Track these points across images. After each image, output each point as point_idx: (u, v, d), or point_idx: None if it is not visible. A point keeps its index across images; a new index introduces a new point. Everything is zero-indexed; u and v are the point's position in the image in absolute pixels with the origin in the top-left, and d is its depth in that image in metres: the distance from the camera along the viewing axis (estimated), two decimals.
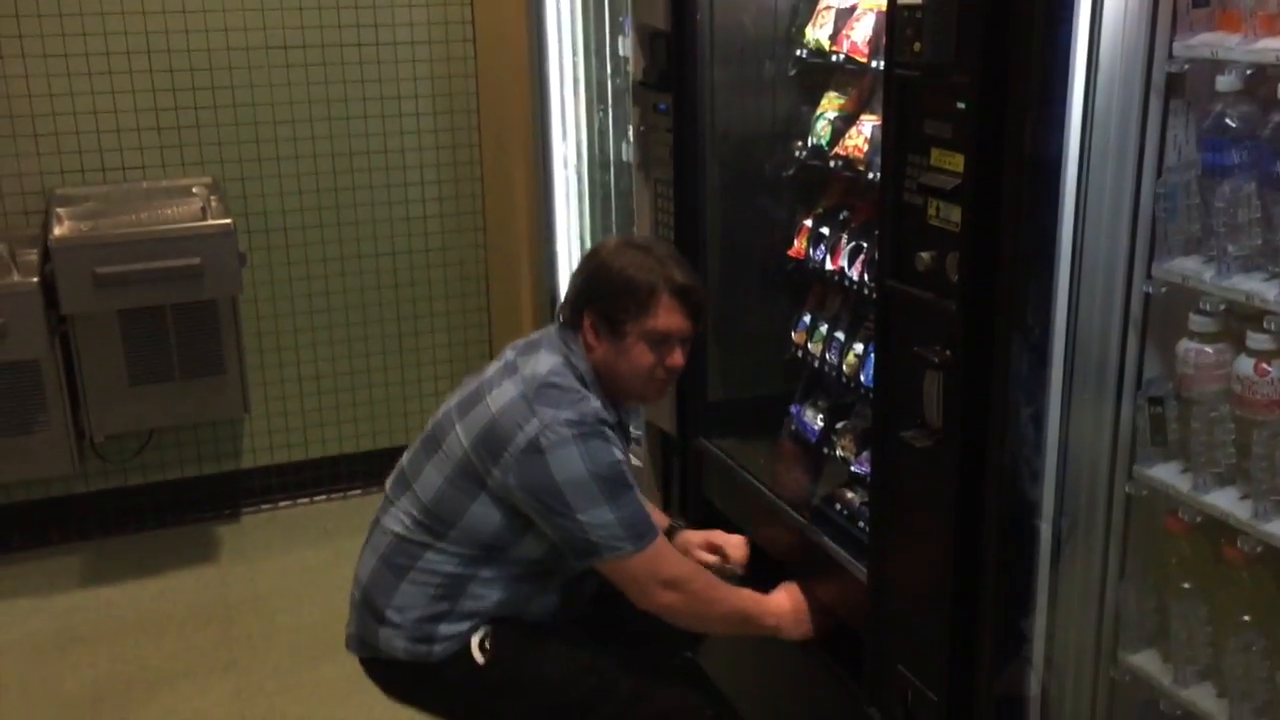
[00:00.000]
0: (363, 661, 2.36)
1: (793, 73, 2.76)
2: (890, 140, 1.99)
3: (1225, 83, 1.60)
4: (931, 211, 1.89)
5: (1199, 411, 1.72)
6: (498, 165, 4.16)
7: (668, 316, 2.22)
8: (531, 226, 3.85)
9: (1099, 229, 1.75)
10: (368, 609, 2.29)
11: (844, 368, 2.56)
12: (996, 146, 1.75)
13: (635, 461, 3.20)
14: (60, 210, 3.65)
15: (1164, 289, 1.74)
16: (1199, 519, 1.74)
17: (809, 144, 2.63)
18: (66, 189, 3.80)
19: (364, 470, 4.33)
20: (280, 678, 3.31)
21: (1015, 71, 1.71)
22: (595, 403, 2.20)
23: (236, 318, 3.74)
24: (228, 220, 3.59)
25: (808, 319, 2.76)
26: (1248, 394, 1.67)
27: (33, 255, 3.55)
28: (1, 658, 3.41)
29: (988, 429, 1.85)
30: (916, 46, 1.87)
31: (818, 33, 2.55)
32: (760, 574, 2.49)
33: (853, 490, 2.47)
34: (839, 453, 2.61)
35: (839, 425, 2.65)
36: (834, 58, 2.48)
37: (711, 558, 2.51)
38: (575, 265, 2.42)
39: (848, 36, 2.42)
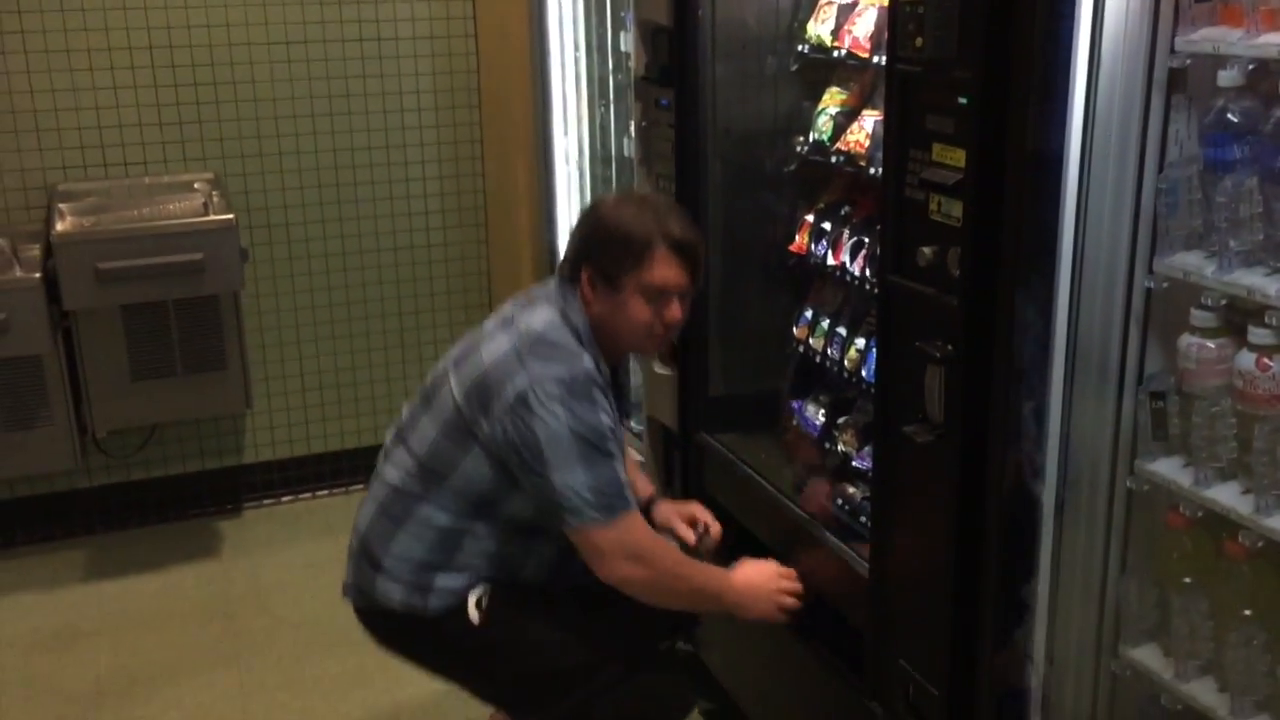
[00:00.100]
0: (358, 611, 2.36)
1: (794, 68, 2.76)
2: (892, 135, 1.99)
3: (1227, 78, 1.60)
4: (933, 206, 1.89)
5: (1200, 406, 1.72)
6: (499, 161, 4.16)
7: (664, 270, 2.20)
8: (533, 222, 3.85)
9: (1100, 224, 1.74)
10: (365, 557, 2.29)
11: (845, 363, 2.56)
12: (998, 142, 1.76)
13: (635, 429, 3.19)
14: (62, 206, 3.66)
15: (1165, 284, 1.74)
16: (1200, 514, 1.74)
17: (810, 139, 2.63)
18: (69, 184, 3.80)
19: (366, 465, 4.22)
20: (283, 672, 3.31)
21: (1017, 66, 1.71)
22: (588, 361, 2.19)
23: (238, 313, 3.74)
24: (230, 216, 3.59)
25: (809, 314, 2.76)
26: (1249, 389, 1.67)
27: (35, 250, 3.56)
28: (4, 652, 3.42)
29: (989, 424, 1.85)
30: (918, 42, 1.87)
31: (819, 28, 2.55)
32: (729, 559, 2.48)
33: (854, 485, 2.47)
34: (841, 447, 2.61)
35: (841, 420, 2.65)
36: (836, 53, 2.48)
37: (689, 532, 2.51)
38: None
39: (849, 32, 2.43)
